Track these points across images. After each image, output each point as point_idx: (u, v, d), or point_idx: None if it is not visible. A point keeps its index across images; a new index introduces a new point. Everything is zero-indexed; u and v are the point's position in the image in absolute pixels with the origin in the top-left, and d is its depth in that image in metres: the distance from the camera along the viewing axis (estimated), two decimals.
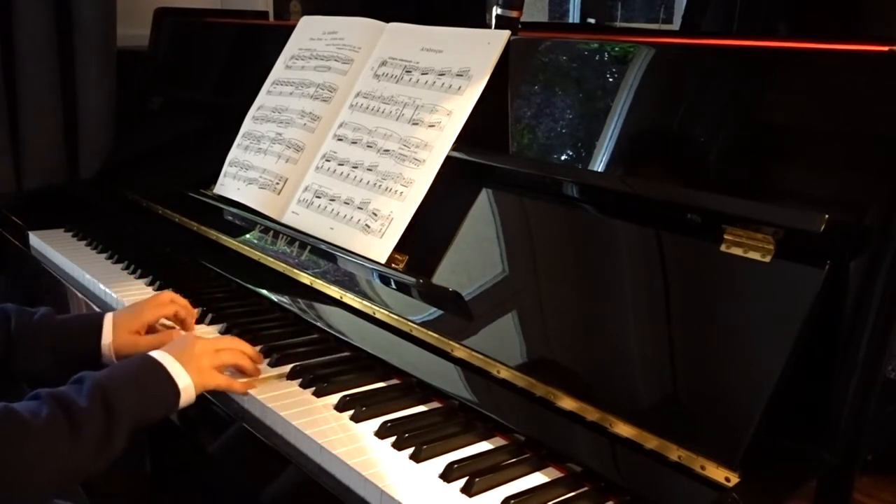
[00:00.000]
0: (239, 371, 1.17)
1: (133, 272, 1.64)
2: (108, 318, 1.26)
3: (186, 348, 1.11)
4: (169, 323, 1.34)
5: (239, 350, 1.17)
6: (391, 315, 1.22)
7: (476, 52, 1.34)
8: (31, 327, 1.22)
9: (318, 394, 1.12)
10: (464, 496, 0.91)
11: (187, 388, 1.07)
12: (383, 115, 1.42)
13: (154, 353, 1.09)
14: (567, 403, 0.99)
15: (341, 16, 1.66)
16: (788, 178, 0.96)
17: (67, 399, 0.96)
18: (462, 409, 1.09)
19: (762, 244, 0.91)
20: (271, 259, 1.47)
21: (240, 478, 1.22)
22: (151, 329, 1.30)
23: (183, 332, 1.31)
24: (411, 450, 0.99)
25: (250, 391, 1.13)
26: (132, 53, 2.24)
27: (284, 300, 1.41)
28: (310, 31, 1.70)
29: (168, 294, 1.34)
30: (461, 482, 0.92)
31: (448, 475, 0.94)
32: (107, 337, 1.24)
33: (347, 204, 1.39)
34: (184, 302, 1.33)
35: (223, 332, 1.33)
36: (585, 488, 0.93)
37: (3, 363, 1.21)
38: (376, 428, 1.04)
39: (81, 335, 1.24)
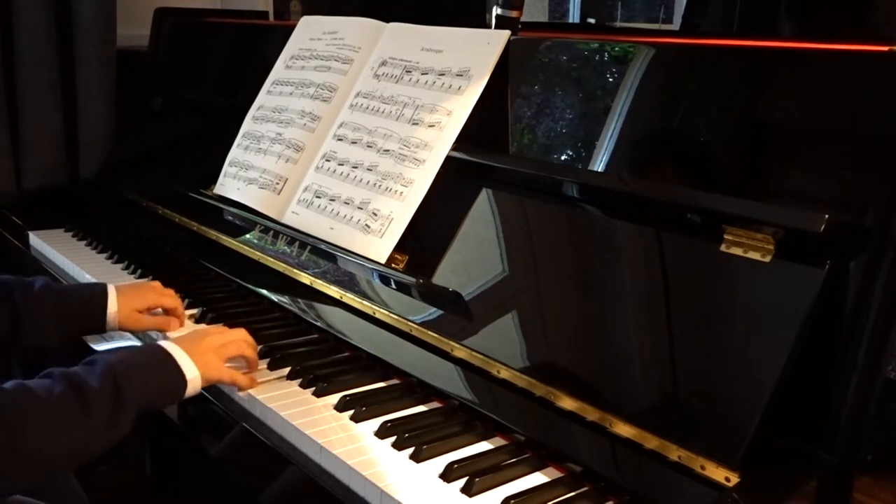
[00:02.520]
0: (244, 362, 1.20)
1: (133, 272, 1.64)
2: (112, 290, 1.29)
3: (196, 342, 1.14)
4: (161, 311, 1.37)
5: (243, 341, 1.19)
6: (391, 315, 1.22)
7: (476, 52, 1.34)
8: (34, 297, 1.23)
9: (318, 394, 1.12)
10: (464, 496, 0.91)
11: (194, 380, 1.10)
12: (383, 115, 1.42)
13: (165, 344, 1.12)
14: (567, 403, 0.99)
15: (341, 16, 1.66)
16: (788, 178, 0.96)
17: (80, 379, 0.98)
18: (462, 409, 1.09)
19: (762, 244, 0.91)
20: (271, 259, 1.47)
21: (240, 478, 1.22)
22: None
23: (177, 323, 1.35)
24: (411, 450, 0.99)
25: (251, 392, 1.13)
26: (132, 53, 2.24)
27: (284, 300, 1.41)
28: (310, 31, 1.70)
29: (170, 290, 1.38)
30: (461, 482, 0.92)
31: (448, 475, 0.94)
32: (112, 307, 1.27)
33: (347, 204, 1.39)
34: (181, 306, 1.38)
35: None
36: (585, 488, 0.93)
37: (12, 334, 1.22)
38: (376, 428, 1.04)
39: (87, 304, 1.27)
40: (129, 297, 1.30)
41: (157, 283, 1.38)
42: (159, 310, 1.36)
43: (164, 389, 1.08)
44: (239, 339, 1.18)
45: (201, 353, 1.12)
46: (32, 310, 1.22)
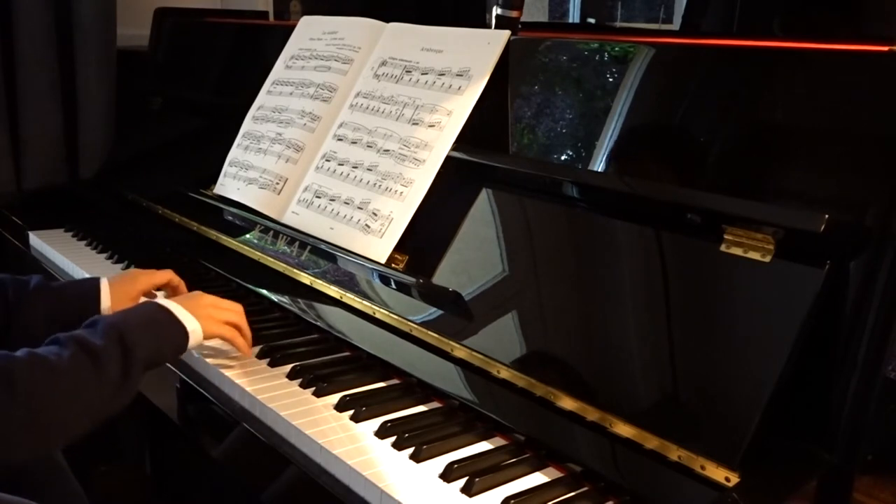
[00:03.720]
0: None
1: None
2: (105, 284, 1.29)
3: (193, 298, 1.18)
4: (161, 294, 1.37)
5: (241, 313, 1.22)
6: (391, 315, 1.22)
7: (476, 52, 1.34)
8: (28, 296, 1.23)
9: (318, 394, 1.12)
10: (464, 496, 0.91)
11: (195, 332, 1.12)
12: (383, 115, 1.42)
13: (161, 300, 1.14)
14: (567, 403, 0.99)
15: (341, 16, 1.66)
16: (788, 178, 0.96)
17: (86, 340, 0.99)
18: (462, 409, 1.09)
19: (762, 244, 0.91)
20: (271, 259, 1.47)
21: (240, 478, 1.22)
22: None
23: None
24: (411, 450, 0.99)
25: (251, 391, 1.13)
26: (132, 53, 2.24)
27: (284, 300, 1.41)
28: (310, 31, 1.70)
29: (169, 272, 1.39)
30: (461, 482, 0.92)
31: (448, 475, 0.94)
32: (105, 301, 1.27)
33: (347, 204, 1.39)
34: (179, 280, 1.38)
35: None
36: (585, 488, 0.93)
37: (5, 333, 1.22)
38: (376, 428, 1.04)
39: (80, 301, 1.27)
40: (120, 288, 1.29)
41: (149, 270, 1.38)
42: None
43: (167, 341, 1.09)
44: (237, 309, 1.21)
45: (200, 308, 1.15)
46: (25, 308, 1.22)
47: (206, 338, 1.15)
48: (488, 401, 1.07)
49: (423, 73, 1.40)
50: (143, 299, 1.32)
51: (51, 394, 0.93)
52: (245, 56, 1.99)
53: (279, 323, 1.38)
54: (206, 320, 1.14)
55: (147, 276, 1.34)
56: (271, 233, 1.50)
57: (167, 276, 1.35)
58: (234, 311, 1.21)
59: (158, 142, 2.14)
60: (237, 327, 1.20)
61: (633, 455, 0.92)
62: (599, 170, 1.14)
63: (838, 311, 0.88)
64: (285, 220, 1.49)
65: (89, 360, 0.97)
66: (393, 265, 1.27)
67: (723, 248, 0.94)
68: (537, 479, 0.95)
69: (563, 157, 1.20)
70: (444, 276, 1.20)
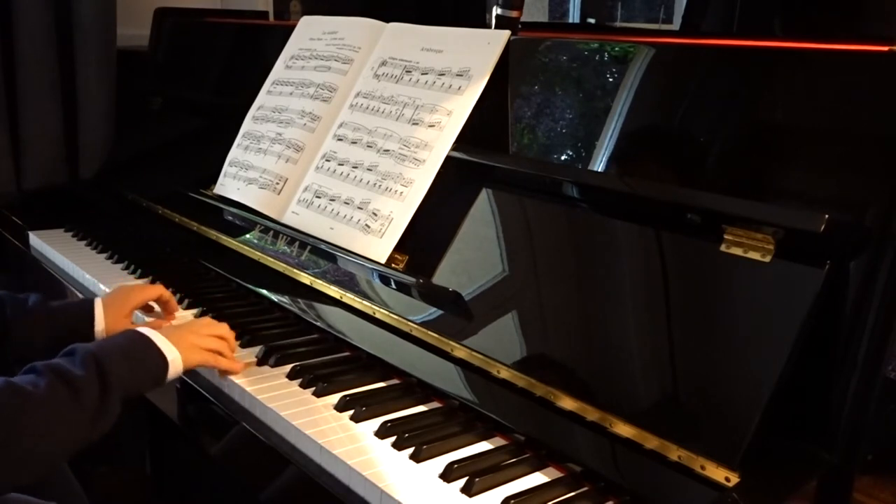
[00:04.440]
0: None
1: (133, 272, 1.64)
2: (99, 305, 1.28)
3: (173, 328, 1.16)
4: (157, 308, 1.38)
5: (224, 333, 1.20)
6: (391, 315, 1.22)
7: (476, 52, 1.34)
8: (25, 314, 1.23)
9: (318, 394, 1.12)
10: (464, 496, 0.91)
11: (175, 361, 1.10)
12: (383, 115, 1.42)
13: (141, 329, 1.13)
14: (567, 403, 0.99)
15: (341, 16, 1.66)
16: (788, 178, 0.96)
17: (63, 369, 0.98)
18: (462, 409, 1.09)
19: (762, 244, 0.91)
20: (271, 259, 1.47)
21: (240, 478, 1.22)
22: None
23: (169, 322, 1.34)
24: (411, 450, 0.99)
25: (251, 391, 1.13)
26: (132, 53, 2.24)
27: (284, 300, 1.41)
28: (310, 31, 1.70)
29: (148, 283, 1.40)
30: (461, 482, 0.92)
31: (448, 475, 0.94)
32: (100, 324, 1.27)
33: (347, 204, 1.39)
34: (169, 296, 1.38)
35: None
36: (585, 488, 0.93)
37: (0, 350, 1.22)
38: (376, 428, 1.04)
39: (75, 322, 1.27)
40: (114, 305, 1.29)
41: (138, 283, 1.40)
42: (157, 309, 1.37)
43: (145, 371, 1.08)
44: (219, 330, 1.19)
45: (179, 336, 1.13)
46: (21, 327, 1.22)
47: (186, 368, 1.13)
48: (488, 401, 1.07)
49: (423, 73, 1.40)
50: (136, 314, 1.33)
51: (27, 424, 0.92)
52: (245, 56, 1.99)
53: (279, 323, 1.38)
54: (186, 350, 1.12)
55: (138, 292, 1.33)
56: (271, 233, 1.50)
57: (158, 290, 1.35)
58: (215, 337, 1.18)
59: (158, 142, 2.14)
60: (219, 350, 1.17)
61: (633, 455, 0.92)
62: (599, 170, 1.14)
63: (838, 311, 0.88)
64: (285, 220, 1.49)
65: (66, 389, 0.96)
66: (393, 265, 1.27)
67: (723, 248, 0.94)
68: (537, 479, 0.95)
69: (563, 157, 1.20)
70: (444, 276, 1.20)
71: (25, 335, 1.22)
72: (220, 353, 1.17)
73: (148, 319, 1.37)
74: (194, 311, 1.41)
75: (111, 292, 1.35)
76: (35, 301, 1.26)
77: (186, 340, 1.13)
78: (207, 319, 1.27)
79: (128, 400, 1.04)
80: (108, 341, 1.10)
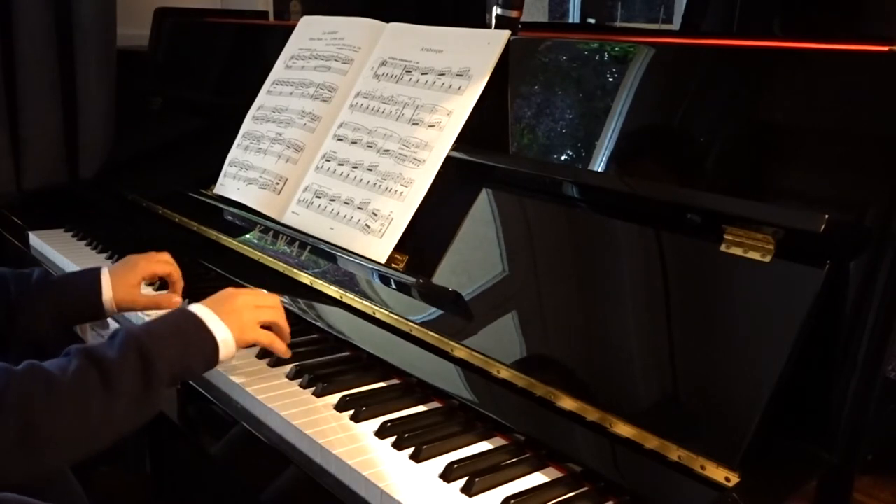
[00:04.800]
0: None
1: None
2: (105, 273, 1.28)
3: (226, 302, 1.10)
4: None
5: (279, 308, 1.15)
6: (391, 315, 1.22)
7: (476, 52, 1.34)
8: (30, 290, 1.23)
9: (318, 394, 1.12)
10: (464, 496, 0.91)
11: (226, 342, 1.06)
12: (383, 115, 1.42)
13: (192, 307, 1.08)
14: (567, 403, 0.99)
15: (341, 16, 1.66)
16: (788, 178, 0.96)
17: (98, 353, 0.94)
18: (462, 409, 1.09)
19: (762, 244, 0.91)
20: (271, 259, 1.47)
21: (240, 478, 1.22)
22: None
23: (175, 298, 1.34)
24: (411, 450, 0.99)
25: (250, 391, 1.13)
26: (132, 53, 2.24)
27: (284, 300, 1.40)
28: (310, 31, 1.70)
29: (165, 253, 1.37)
30: (461, 482, 0.92)
31: (448, 475, 0.94)
32: (107, 292, 1.26)
33: (347, 204, 1.39)
34: (176, 268, 1.37)
35: None
36: (585, 488, 0.93)
37: (7, 326, 1.21)
38: (376, 428, 1.04)
39: (81, 292, 1.26)
40: (122, 274, 1.28)
41: (149, 254, 1.36)
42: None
43: (194, 354, 1.03)
44: (275, 306, 1.15)
45: (234, 314, 1.08)
46: (27, 301, 1.21)
47: (239, 347, 1.08)
48: (488, 401, 1.07)
49: (423, 73, 1.40)
50: (143, 288, 1.32)
51: (47, 410, 0.87)
52: (245, 56, 1.99)
53: None
54: (239, 328, 1.07)
55: (146, 263, 1.32)
56: (271, 233, 1.50)
57: (167, 267, 1.34)
58: (271, 309, 1.14)
59: (158, 142, 2.14)
60: (275, 326, 1.14)
61: (633, 455, 0.92)
62: (599, 170, 1.14)
63: (838, 311, 0.88)
64: (285, 220, 1.49)
65: (98, 373, 0.92)
66: (393, 265, 1.27)
67: (723, 248, 0.94)
68: (537, 479, 0.95)
69: (563, 157, 1.20)
70: (444, 276, 1.20)
71: (33, 309, 1.21)
72: (276, 326, 1.14)
73: (152, 292, 1.36)
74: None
75: (119, 262, 1.35)
76: (39, 275, 1.25)
77: (239, 316, 1.08)
78: (259, 290, 1.19)
79: (179, 383, 1.01)
80: (154, 322, 1.05)
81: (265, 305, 1.14)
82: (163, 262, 1.35)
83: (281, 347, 1.13)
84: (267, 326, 1.15)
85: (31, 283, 1.23)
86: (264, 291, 1.18)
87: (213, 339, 1.05)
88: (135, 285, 1.29)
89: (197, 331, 1.04)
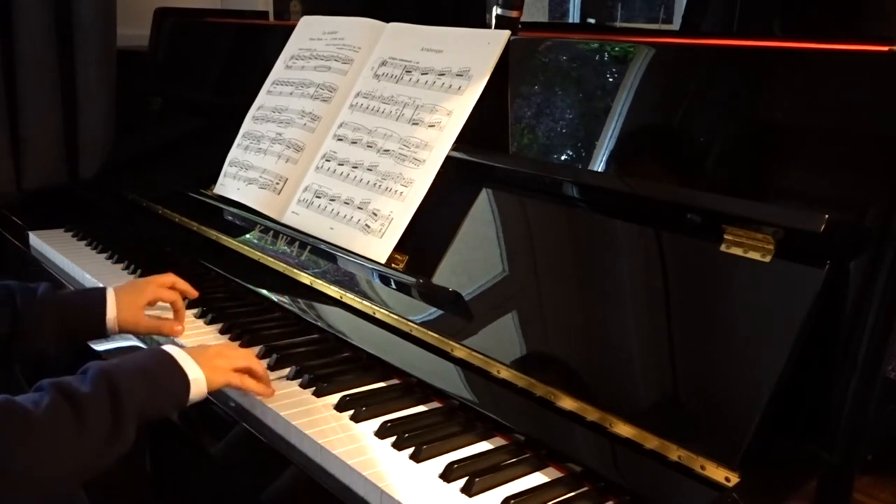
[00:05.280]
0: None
1: (133, 272, 1.64)
2: (111, 293, 1.28)
3: (200, 348, 1.11)
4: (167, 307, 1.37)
5: (252, 356, 1.15)
6: (391, 315, 1.22)
7: (476, 52, 1.34)
8: (35, 304, 1.23)
9: (318, 394, 1.12)
10: (464, 496, 0.91)
11: (197, 381, 1.04)
12: (383, 115, 1.42)
13: (166, 346, 1.08)
14: (567, 403, 0.99)
15: (341, 16, 1.66)
16: (788, 178, 0.96)
17: (70, 387, 0.93)
18: (462, 409, 1.09)
19: (762, 244, 0.91)
20: (271, 259, 1.47)
21: (240, 478, 1.22)
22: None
23: (178, 326, 1.33)
24: (411, 450, 0.99)
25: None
26: (132, 53, 2.24)
27: (284, 300, 1.41)
28: (310, 31, 1.70)
29: (171, 277, 1.37)
30: (461, 482, 0.92)
31: (448, 475, 0.94)
32: (111, 311, 1.27)
33: (347, 204, 1.39)
34: (184, 286, 1.37)
35: (222, 332, 1.34)
36: (585, 488, 0.93)
37: (10, 340, 1.21)
38: (376, 428, 1.04)
39: (86, 310, 1.26)
40: (127, 297, 1.29)
41: (157, 277, 1.37)
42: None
43: (164, 391, 1.02)
44: (245, 353, 1.15)
45: (207, 357, 1.08)
46: (32, 316, 1.22)
47: (211, 389, 1.07)
48: (488, 401, 1.07)
49: (423, 73, 1.40)
50: (147, 311, 1.33)
51: (21, 443, 0.85)
52: (245, 56, 1.99)
53: (279, 323, 1.38)
54: (211, 369, 1.06)
55: (154, 289, 1.33)
56: (271, 233, 1.50)
57: (172, 295, 1.34)
58: (242, 357, 1.13)
59: (158, 142, 2.14)
60: (249, 371, 1.11)
61: (633, 455, 0.92)
62: (599, 170, 1.14)
63: (838, 311, 0.88)
64: (285, 220, 1.49)
65: (70, 408, 0.90)
66: (393, 265, 1.27)
67: (723, 248, 0.94)
68: (537, 479, 0.95)
69: (563, 157, 1.20)
70: (444, 276, 1.20)
71: (36, 324, 1.21)
72: (250, 371, 1.11)
73: (156, 314, 1.36)
74: (194, 310, 1.41)
75: (125, 283, 1.35)
76: (45, 290, 1.25)
77: (211, 361, 1.07)
78: (235, 345, 1.20)
79: (147, 421, 0.99)
80: (126, 359, 1.04)
81: (235, 355, 1.12)
82: (169, 291, 1.35)
83: (254, 386, 1.10)
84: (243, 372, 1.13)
85: (36, 297, 1.23)
86: (236, 345, 1.19)
87: (184, 377, 1.03)
88: (139, 308, 1.29)
89: (168, 369, 1.03)
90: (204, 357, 1.08)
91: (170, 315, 1.37)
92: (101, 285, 1.56)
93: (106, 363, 1.00)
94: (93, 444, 0.91)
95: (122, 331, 1.29)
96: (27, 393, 0.93)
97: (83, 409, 0.91)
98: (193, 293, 1.39)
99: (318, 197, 1.45)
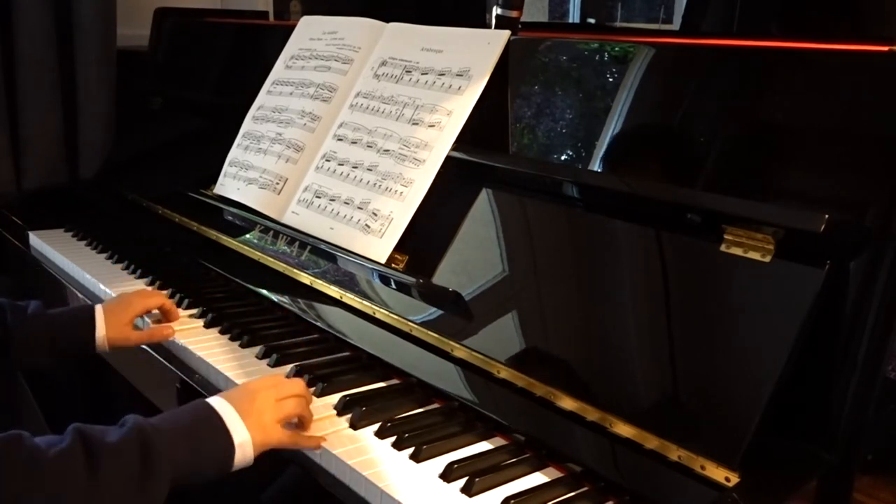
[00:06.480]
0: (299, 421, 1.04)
1: (133, 272, 1.64)
2: (100, 311, 1.28)
3: (246, 399, 0.98)
4: (156, 313, 1.38)
5: (304, 398, 1.03)
6: (391, 315, 1.22)
7: (476, 52, 1.34)
8: (25, 321, 1.23)
9: (318, 394, 1.12)
10: (464, 496, 0.91)
11: (244, 445, 0.94)
12: (383, 115, 1.42)
13: (212, 400, 0.97)
14: (567, 403, 0.99)
15: (341, 16, 1.66)
16: (788, 178, 0.96)
17: (95, 434, 0.86)
18: (462, 409, 1.09)
19: (762, 244, 0.91)
20: (271, 259, 1.47)
21: (240, 477, 1.22)
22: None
23: (167, 329, 1.32)
24: (411, 450, 0.99)
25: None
26: (132, 53, 2.24)
27: (284, 300, 1.41)
28: (310, 31, 1.70)
29: (151, 289, 1.40)
30: (461, 482, 0.92)
31: (448, 475, 0.94)
32: (100, 329, 1.26)
33: (347, 204, 1.39)
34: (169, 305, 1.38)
35: (222, 332, 1.33)
36: (585, 488, 0.93)
37: (2, 355, 1.22)
38: (376, 428, 1.04)
39: (75, 329, 1.27)
40: (115, 312, 1.29)
41: (140, 289, 1.39)
42: (156, 312, 1.37)
43: (206, 454, 0.92)
44: (298, 395, 1.02)
45: (255, 414, 0.96)
46: (21, 333, 1.22)
47: (259, 451, 0.95)
48: (488, 401, 1.07)
49: (423, 73, 1.40)
50: (137, 321, 1.33)
51: (26, 482, 0.79)
52: (245, 56, 1.99)
53: (279, 323, 1.38)
54: (260, 430, 0.95)
55: (140, 300, 1.33)
56: (271, 233, 1.50)
57: (159, 299, 1.35)
58: (294, 399, 1.00)
59: (158, 142, 2.14)
60: (300, 415, 1.01)
61: (633, 455, 0.92)
62: (599, 170, 1.14)
63: (838, 311, 0.88)
64: (285, 220, 1.49)
65: (85, 454, 0.83)
66: (393, 265, 1.27)
67: (723, 248, 0.94)
68: (537, 479, 0.95)
69: (562, 157, 1.20)
70: (444, 276, 1.20)
71: (26, 341, 1.22)
72: (300, 419, 1.02)
73: (149, 322, 1.37)
74: (194, 310, 1.41)
75: (112, 299, 1.35)
76: (35, 308, 1.26)
77: (262, 419, 0.96)
78: (280, 378, 1.05)
79: (185, 485, 0.89)
80: (170, 414, 0.95)
81: (288, 396, 1.00)
82: (155, 295, 1.36)
83: (308, 443, 1.00)
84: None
85: (26, 315, 1.23)
86: (284, 379, 1.06)
87: (230, 440, 0.93)
88: (127, 323, 1.29)
89: (212, 430, 0.93)
90: (252, 414, 0.96)
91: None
92: (101, 286, 1.56)
93: (147, 420, 0.91)
94: (110, 494, 0.84)
95: (112, 348, 1.28)
96: (33, 401, 0.92)
97: (99, 461, 0.83)
98: (176, 315, 1.38)
99: (318, 197, 1.45)
